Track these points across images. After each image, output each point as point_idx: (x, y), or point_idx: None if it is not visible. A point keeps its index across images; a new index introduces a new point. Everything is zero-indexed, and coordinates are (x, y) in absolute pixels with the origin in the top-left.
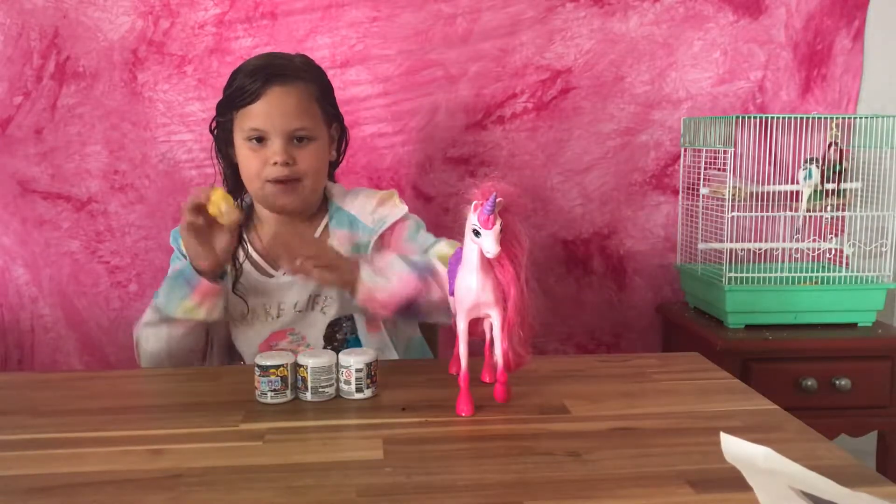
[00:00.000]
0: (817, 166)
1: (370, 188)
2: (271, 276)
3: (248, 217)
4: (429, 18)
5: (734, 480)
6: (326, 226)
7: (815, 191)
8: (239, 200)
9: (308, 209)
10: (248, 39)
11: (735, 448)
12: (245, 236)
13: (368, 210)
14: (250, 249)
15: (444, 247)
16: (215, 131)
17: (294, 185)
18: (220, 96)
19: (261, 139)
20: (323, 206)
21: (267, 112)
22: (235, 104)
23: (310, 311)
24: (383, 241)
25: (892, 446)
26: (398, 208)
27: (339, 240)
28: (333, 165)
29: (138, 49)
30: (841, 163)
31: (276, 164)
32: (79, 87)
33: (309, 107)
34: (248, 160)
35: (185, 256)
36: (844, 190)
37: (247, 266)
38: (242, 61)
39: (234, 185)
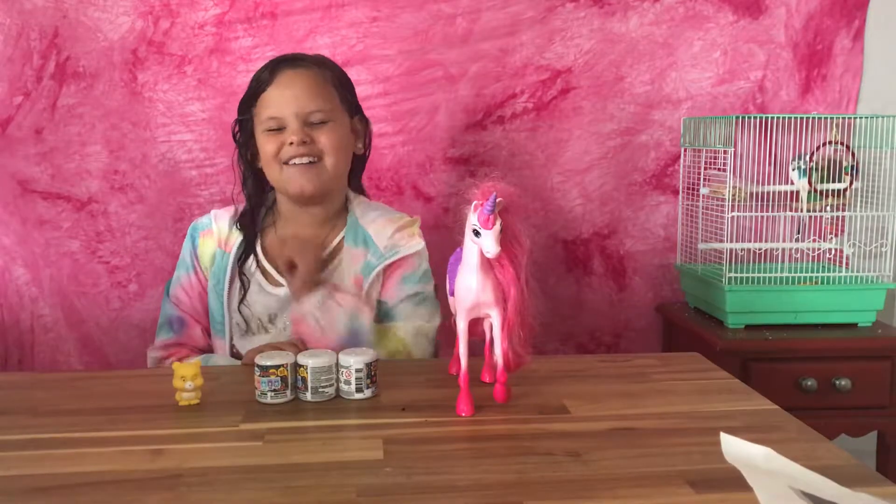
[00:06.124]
0: (804, 161)
1: (390, 207)
2: (281, 285)
3: (265, 218)
4: (429, 18)
5: (734, 480)
6: (343, 238)
7: (812, 190)
8: (265, 209)
9: (330, 201)
10: (248, 39)
11: (735, 448)
12: (260, 243)
13: (385, 234)
14: (262, 259)
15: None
16: (238, 135)
17: (314, 167)
18: (220, 96)
19: (279, 127)
20: (344, 215)
21: (280, 95)
22: (252, 95)
23: None
24: (388, 272)
25: (892, 446)
26: (413, 241)
27: (352, 258)
28: (361, 161)
29: (138, 49)
30: (854, 162)
31: (292, 143)
32: (79, 87)
33: (323, 89)
34: (266, 145)
35: (196, 259)
36: (843, 190)
37: (258, 276)
38: (241, 61)
39: (255, 191)
